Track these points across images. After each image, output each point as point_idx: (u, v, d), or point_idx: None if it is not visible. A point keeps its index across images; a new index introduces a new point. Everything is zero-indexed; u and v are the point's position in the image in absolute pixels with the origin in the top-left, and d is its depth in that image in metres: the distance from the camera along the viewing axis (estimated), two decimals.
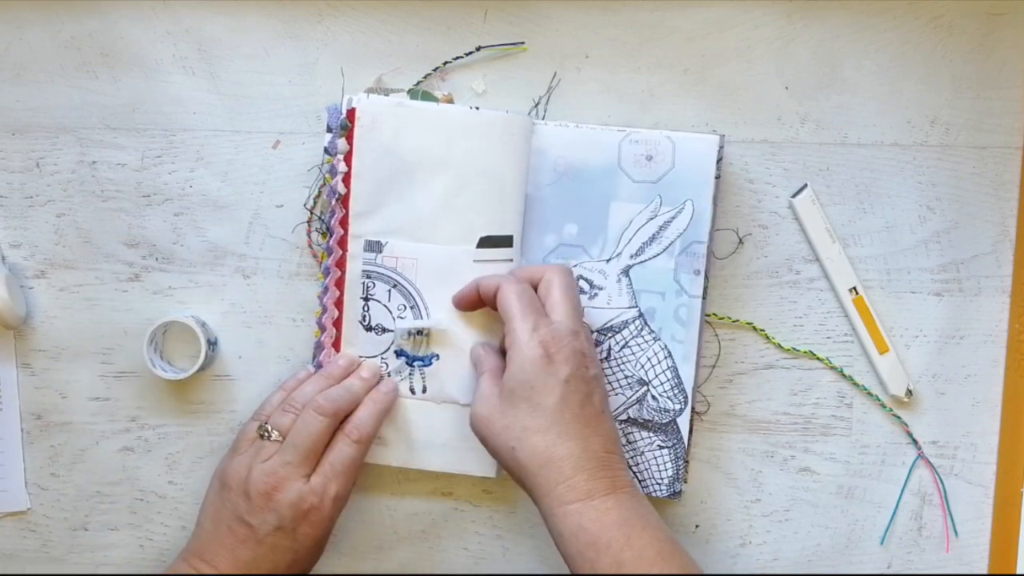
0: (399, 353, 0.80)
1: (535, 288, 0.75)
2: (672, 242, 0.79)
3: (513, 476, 0.73)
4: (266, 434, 0.76)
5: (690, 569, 0.69)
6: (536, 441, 0.70)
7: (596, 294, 0.80)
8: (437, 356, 0.80)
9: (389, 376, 0.80)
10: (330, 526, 0.77)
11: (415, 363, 0.80)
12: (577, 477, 0.69)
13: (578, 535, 0.69)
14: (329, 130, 0.79)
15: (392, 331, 0.80)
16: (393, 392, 0.79)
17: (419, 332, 0.80)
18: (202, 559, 0.75)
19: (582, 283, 0.79)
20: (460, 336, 0.79)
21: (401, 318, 0.80)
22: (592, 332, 0.79)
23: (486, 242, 0.79)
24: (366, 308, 0.80)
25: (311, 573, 0.79)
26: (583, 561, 0.69)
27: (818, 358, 0.82)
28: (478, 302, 0.77)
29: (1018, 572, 0.78)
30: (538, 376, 0.70)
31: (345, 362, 0.80)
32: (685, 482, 0.81)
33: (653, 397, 0.79)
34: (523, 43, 0.82)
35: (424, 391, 0.80)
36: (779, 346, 0.82)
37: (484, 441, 0.74)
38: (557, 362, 0.71)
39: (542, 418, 0.70)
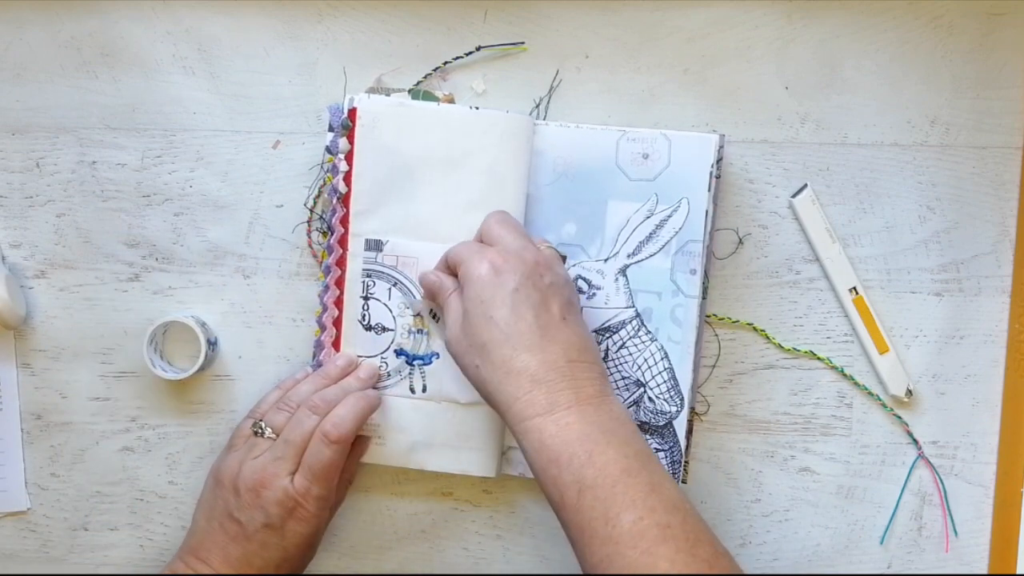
0: (399, 352, 0.80)
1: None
2: (668, 241, 0.79)
3: (484, 397, 0.72)
4: (260, 431, 0.77)
5: (656, 485, 0.66)
6: (495, 354, 0.69)
7: (594, 294, 0.80)
8: (437, 355, 0.80)
9: (390, 376, 0.80)
10: (320, 525, 0.77)
11: (415, 362, 0.80)
12: (535, 391, 0.68)
13: (540, 451, 0.67)
14: (331, 129, 0.80)
15: (392, 330, 0.80)
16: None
17: (419, 331, 0.80)
18: (196, 556, 0.75)
19: (580, 283, 0.79)
20: None
21: (402, 316, 0.80)
22: (590, 332, 0.79)
23: None
24: (366, 307, 0.80)
25: (308, 574, 0.79)
26: (547, 477, 0.67)
27: (818, 358, 0.82)
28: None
29: (1018, 572, 0.78)
30: (486, 290, 0.70)
31: (343, 362, 0.80)
32: (684, 483, 0.81)
33: (650, 399, 0.79)
34: (523, 43, 0.82)
35: (424, 390, 0.80)
36: (779, 346, 0.82)
37: (457, 361, 0.73)
38: (504, 273, 0.70)
39: (497, 330, 0.69)
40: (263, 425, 0.77)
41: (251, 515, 0.74)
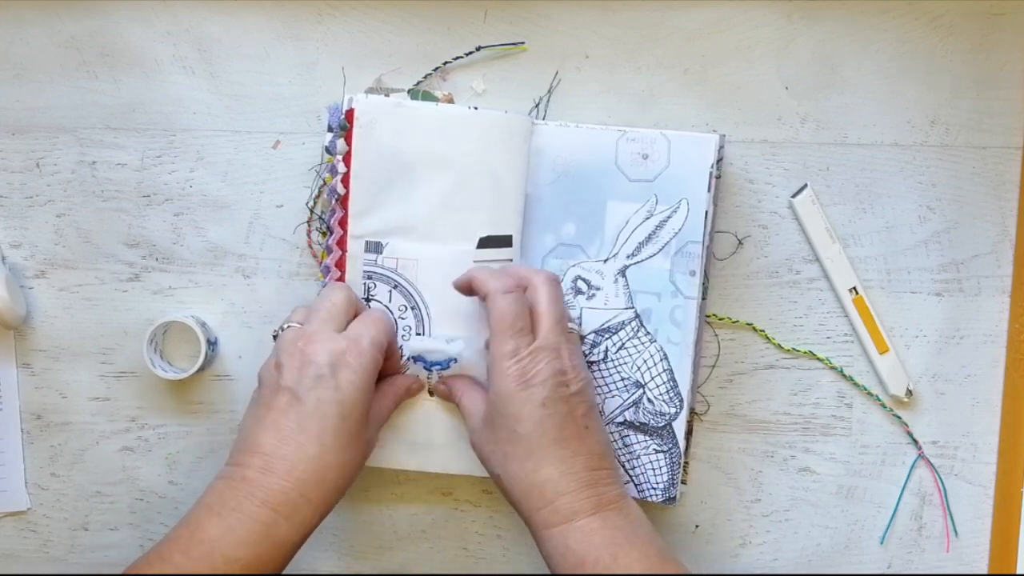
0: (416, 359, 0.79)
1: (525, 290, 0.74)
2: (668, 242, 0.79)
3: (504, 495, 0.73)
4: (285, 328, 0.74)
5: None
6: (515, 468, 0.70)
7: (594, 294, 0.80)
8: (455, 359, 0.79)
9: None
10: (371, 376, 0.72)
11: (433, 368, 0.79)
12: (558, 501, 0.69)
13: (565, 556, 0.68)
14: (330, 129, 0.79)
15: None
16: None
17: (419, 334, 0.80)
18: (242, 451, 0.69)
19: (580, 283, 0.79)
20: (475, 333, 0.79)
21: (403, 318, 0.80)
22: (588, 334, 0.79)
23: (486, 242, 0.78)
24: None
25: (307, 574, 0.79)
26: None
27: (818, 358, 0.82)
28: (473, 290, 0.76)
29: (1018, 572, 0.78)
30: (514, 403, 0.70)
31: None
32: (684, 483, 0.81)
33: (649, 400, 0.79)
34: (523, 43, 0.82)
35: None
36: (779, 346, 0.82)
37: (479, 457, 0.75)
38: (534, 385, 0.70)
39: (520, 445, 0.70)
40: (285, 326, 0.74)
41: (300, 376, 0.69)
